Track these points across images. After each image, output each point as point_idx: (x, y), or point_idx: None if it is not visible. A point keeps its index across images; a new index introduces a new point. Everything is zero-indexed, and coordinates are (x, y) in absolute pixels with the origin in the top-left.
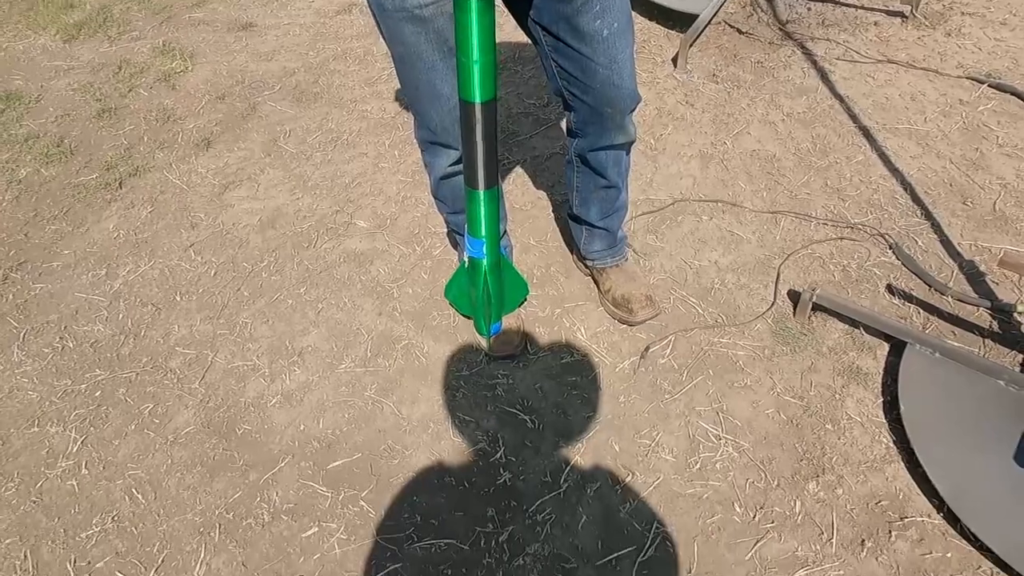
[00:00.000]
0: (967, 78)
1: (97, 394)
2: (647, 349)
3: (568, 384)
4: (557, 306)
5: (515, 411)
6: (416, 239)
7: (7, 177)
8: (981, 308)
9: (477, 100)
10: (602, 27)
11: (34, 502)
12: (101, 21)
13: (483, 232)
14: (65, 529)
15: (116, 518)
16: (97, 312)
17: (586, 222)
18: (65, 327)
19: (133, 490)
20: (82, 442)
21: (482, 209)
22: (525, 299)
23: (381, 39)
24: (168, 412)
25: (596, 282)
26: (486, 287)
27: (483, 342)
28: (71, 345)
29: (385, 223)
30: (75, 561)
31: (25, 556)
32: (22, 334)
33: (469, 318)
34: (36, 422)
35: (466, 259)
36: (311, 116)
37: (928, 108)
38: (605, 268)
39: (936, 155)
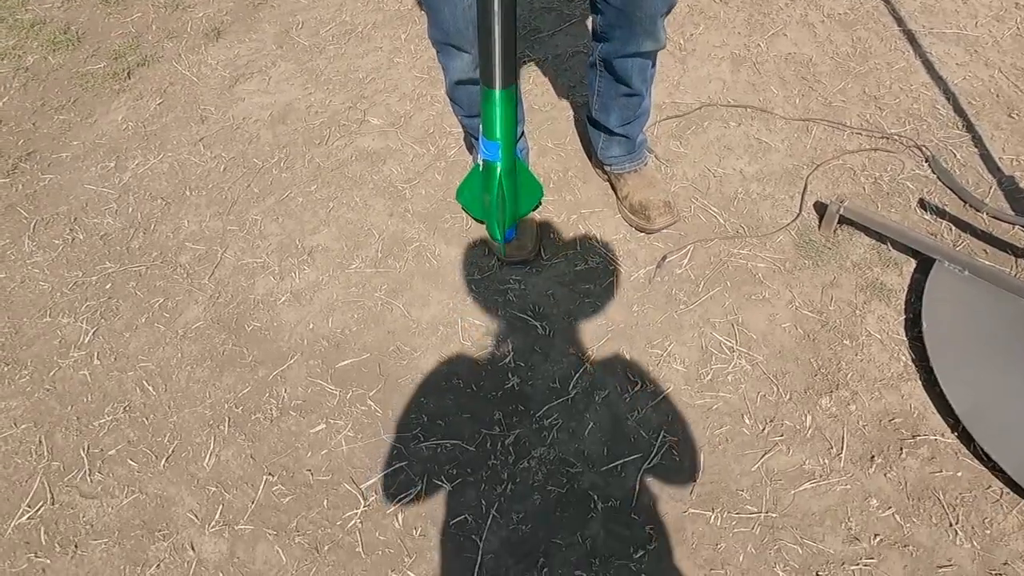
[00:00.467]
0: None
1: (108, 287)
2: (664, 258)
3: (581, 292)
4: (573, 212)
5: (526, 316)
6: (431, 138)
7: (13, 64)
8: (1017, 226)
9: None
10: None
11: (47, 390)
12: None
13: (499, 134)
14: (78, 417)
15: (128, 408)
16: (107, 205)
17: (605, 127)
18: (75, 219)
19: (144, 382)
20: (94, 333)
21: (498, 110)
22: (539, 203)
23: None
24: (178, 307)
25: (614, 188)
26: (501, 191)
27: (496, 247)
28: (81, 237)
29: (399, 121)
30: (88, 448)
31: (40, 441)
32: (32, 224)
33: (481, 222)
34: (48, 312)
35: (480, 161)
36: (325, 6)
37: (980, 11)
38: (623, 173)
39: (984, 63)
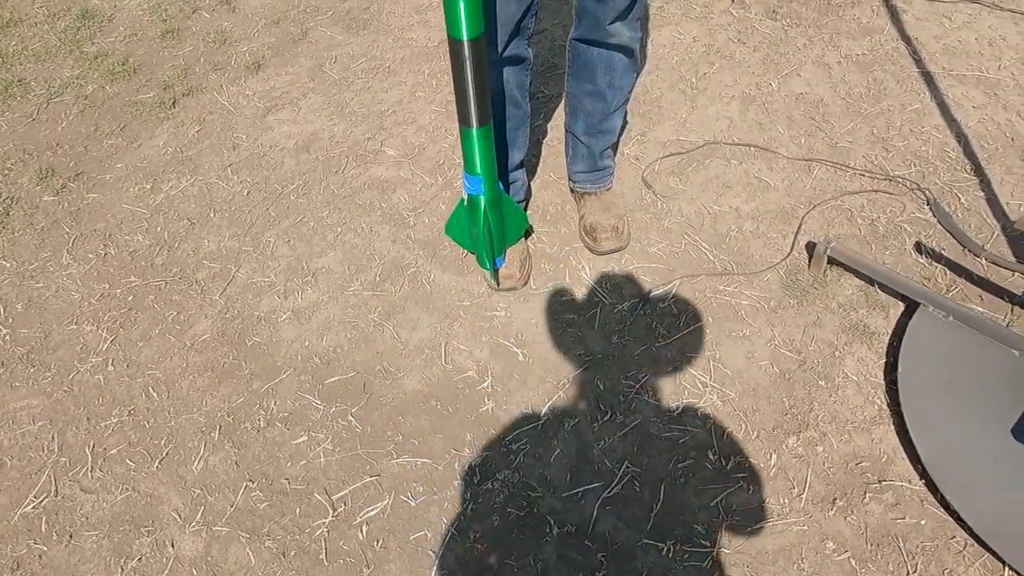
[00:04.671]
0: None
1: (130, 299)
2: (649, 293)
3: (564, 321)
4: (566, 244)
5: (508, 343)
6: (440, 169)
7: (75, 92)
8: (1016, 273)
9: (464, 37)
10: None
11: (65, 391)
12: None
13: (479, 170)
14: (88, 417)
15: (132, 412)
16: (139, 223)
17: (572, 133)
18: (109, 235)
19: (150, 388)
20: (112, 341)
21: (476, 146)
22: (525, 231)
23: None
24: (189, 320)
25: (577, 206)
26: (487, 222)
27: (487, 276)
28: (113, 252)
29: (413, 152)
30: (93, 447)
31: (53, 438)
32: (72, 240)
33: (472, 253)
34: (75, 320)
35: (465, 196)
36: (358, 43)
37: (1006, 54)
38: (585, 193)
39: (1003, 106)
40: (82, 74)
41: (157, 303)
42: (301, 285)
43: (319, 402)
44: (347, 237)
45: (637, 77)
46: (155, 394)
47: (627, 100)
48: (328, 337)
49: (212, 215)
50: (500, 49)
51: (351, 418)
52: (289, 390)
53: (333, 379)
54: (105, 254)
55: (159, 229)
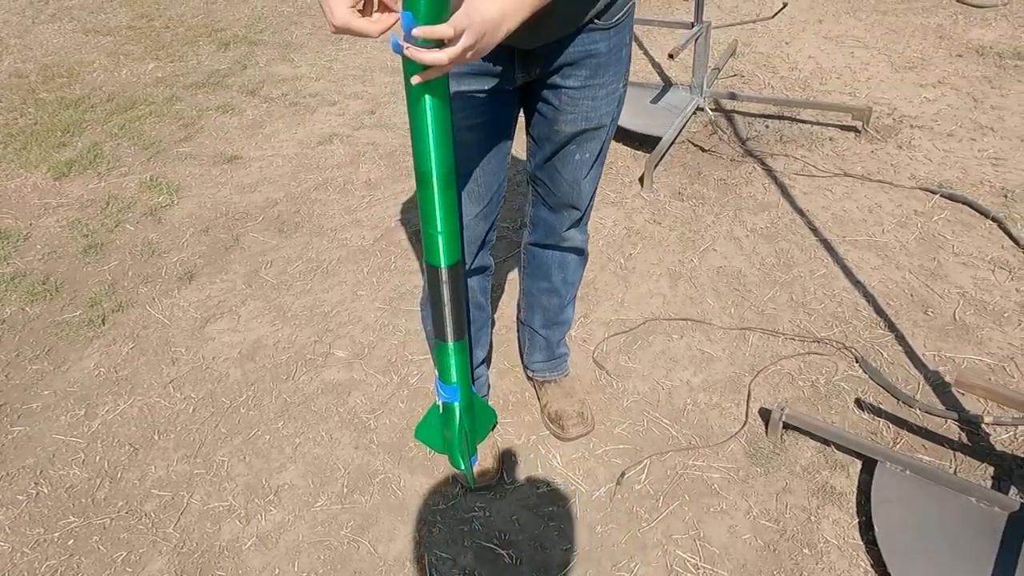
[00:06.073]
0: (920, 189)
1: (70, 543)
2: (622, 475)
3: (545, 515)
4: (532, 432)
5: (492, 546)
6: (394, 367)
7: None
8: (949, 420)
9: (443, 264)
10: (577, 150)
11: None
12: (92, 158)
13: (454, 380)
14: None
15: None
16: (74, 455)
17: (529, 327)
18: (41, 471)
19: None
20: None
21: (452, 359)
22: (494, 426)
23: (360, 168)
24: (141, 559)
25: (537, 394)
26: (462, 428)
27: (464, 478)
28: (46, 491)
29: (363, 352)
30: None
31: None
32: None
33: (444, 454)
34: None
35: (440, 404)
36: (292, 246)
37: (885, 219)
38: (544, 382)
39: (896, 266)
40: None
41: (103, 544)
42: (264, 505)
43: None
44: (307, 448)
45: (584, 269)
46: None
47: (577, 291)
48: (300, 561)
49: (156, 438)
50: (469, 263)
51: None
52: None
53: None
54: (37, 493)
55: (98, 459)
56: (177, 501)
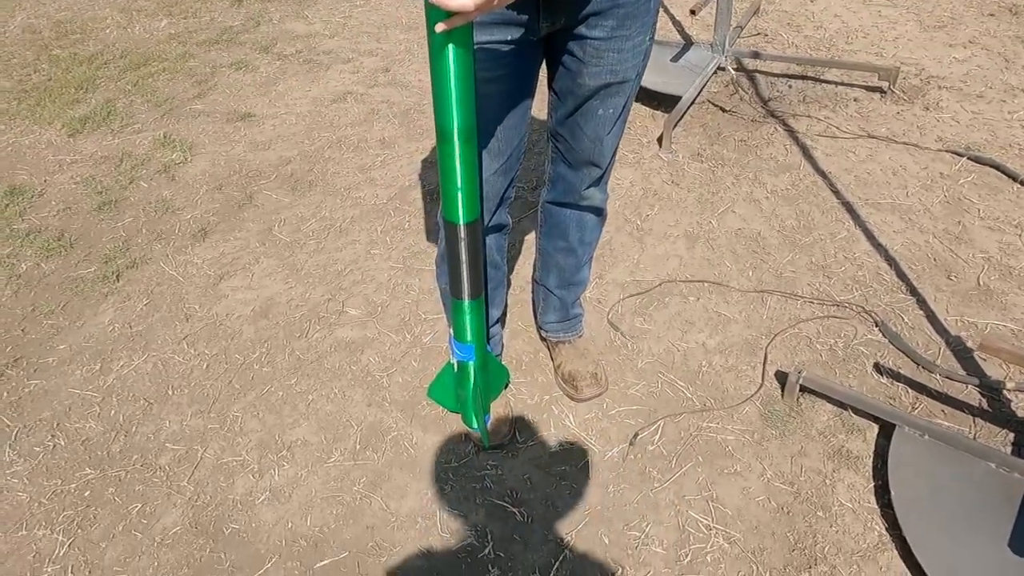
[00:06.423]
0: (947, 151)
1: (86, 494)
2: (635, 436)
3: (557, 474)
4: (546, 393)
5: (504, 503)
6: (407, 326)
7: (7, 272)
8: (969, 386)
9: (462, 221)
10: (600, 106)
11: None
12: (105, 115)
13: (470, 338)
14: None
15: None
16: (90, 408)
17: (544, 287)
18: (57, 424)
19: None
20: (69, 545)
21: (468, 317)
22: (508, 384)
23: (375, 126)
24: (156, 512)
25: (551, 355)
26: (476, 385)
27: (475, 435)
28: (62, 443)
29: (376, 311)
30: None
31: None
32: (14, 433)
33: (456, 413)
34: (24, 524)
35: (454, 362)
36: (306, 204)
37: (909, 182)
38: (557, 342)
39: (919, 229)
40: (13, 252)
41: (118, 496)
42: (277, 461)
43: None
44: (320, 405)
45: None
46: None
47: (594, 251)
48: (312, 516)
49: (171, 393)
50: (487, 220)
51: None
52: None
53: (324, 563)
54: (54, 446)
55: (113, 413)
56: (191, 455)
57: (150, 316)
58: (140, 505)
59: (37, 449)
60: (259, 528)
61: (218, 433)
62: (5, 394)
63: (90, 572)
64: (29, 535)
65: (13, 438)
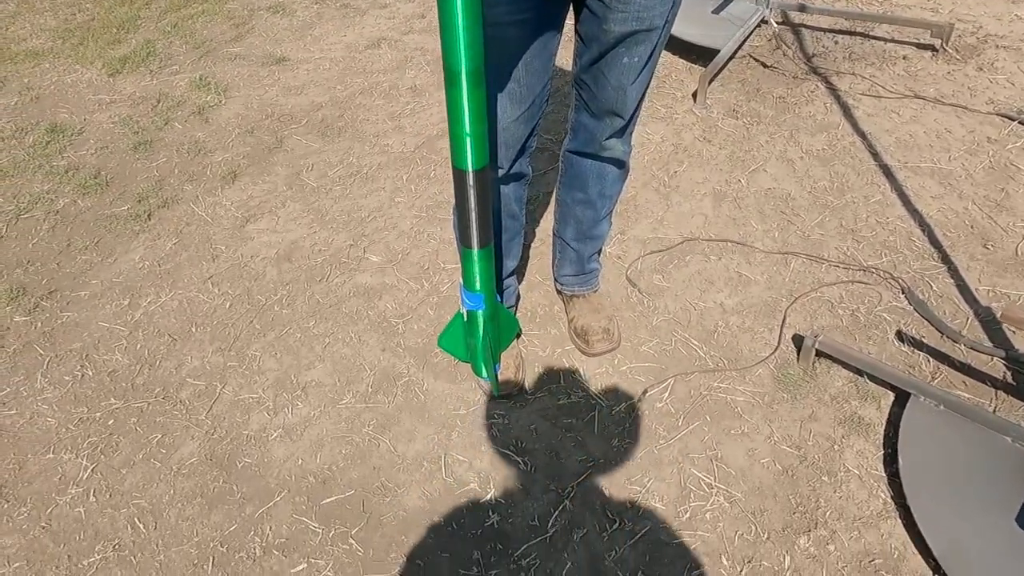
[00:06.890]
0: (997, 115)
1: (110, 423)
2: (645, 392)
3: (563, 426)
4: (558, 346)
5: (508, 452)
6: (425, 275)
7: (46, 207)
8: (995, 358)
9: (470, 168)
10: (625, 53)
11: (43, 527)
12: (144, 55)
13: (479, 287)
14: (69, 556)
15: (117, 547)
16: (117, 341)
17: (561, 238)
18: (86, 355)
19: (136, 519)
20: (92, 470)
21: (477, 266)
22: (518, 335)
23: (407, 73)
24: (175, 442)
25: (565, 308)
26: (486, 335)
27: (484, 384)
28: (90, 374)
29: (396, 258)
30: None
31: None
32: (46, 361)
33: (466, 362)
34: (52, 448)
35: (464, 311)
36: (334, 150)
37: (954, 146)
38: (572, 296)
39: (958, 195)
40: (52, 188)
41: (140, 426)
42: (291, 400)
43: (317, 525)
44: (335, 348)
45: (624, 184)
46: (141, 525)
47: (614, 206)
48: (322, 454)
49: (194, 330)
50: (506, 168)
51: (352, 541)
52: (284, 514)
53: (330, 499)
54: (82, 376)
55: (139, 347)
56: (210, 390)
57: (178, 255)
58: (160, 436)
59: (67, 378)
60: (271, 463)
61: (237, 371)
62: (39, 324)
63: (110, 496)
64: (56, 458)
65: (45, 366)
